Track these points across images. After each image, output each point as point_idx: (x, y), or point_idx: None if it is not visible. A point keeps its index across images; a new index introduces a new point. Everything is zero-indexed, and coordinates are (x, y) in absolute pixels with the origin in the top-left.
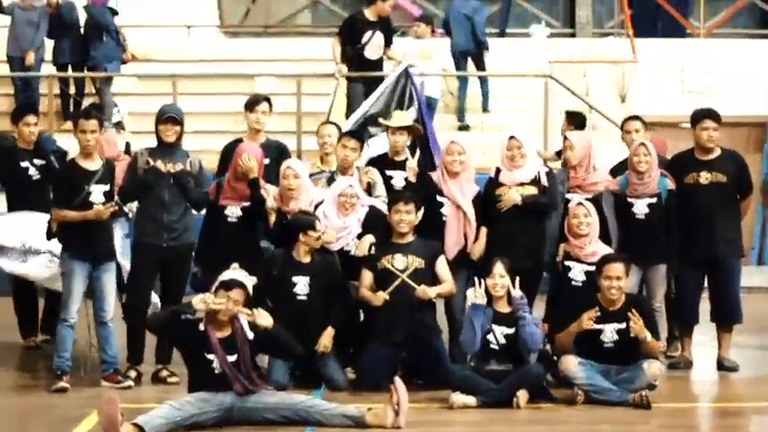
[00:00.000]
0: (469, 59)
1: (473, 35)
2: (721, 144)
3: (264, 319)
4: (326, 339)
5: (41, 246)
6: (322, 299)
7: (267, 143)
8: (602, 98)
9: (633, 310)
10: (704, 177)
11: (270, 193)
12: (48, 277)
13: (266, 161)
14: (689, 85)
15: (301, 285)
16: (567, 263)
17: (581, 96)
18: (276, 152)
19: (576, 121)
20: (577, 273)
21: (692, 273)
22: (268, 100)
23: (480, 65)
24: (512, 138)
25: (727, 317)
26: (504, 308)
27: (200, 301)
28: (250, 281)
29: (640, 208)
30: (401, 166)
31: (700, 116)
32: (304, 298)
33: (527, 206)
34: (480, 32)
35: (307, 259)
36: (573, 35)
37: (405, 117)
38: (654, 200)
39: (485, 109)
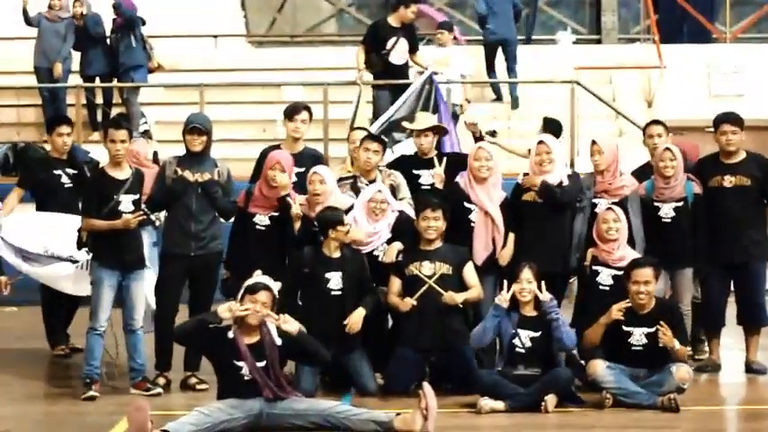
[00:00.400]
0: (500, 51)
1: (516, 18)
2: (748, 148)
3: (290, 324)
4: (356, 317)
5: (63, 252)
6: (355, 293)
7: (304, 152)
8: (628, 104)
9: (662, 322)
10: (728, 181)
11: (296, 200)
12: (67, 281)
13: (301, 170)
14: (715, 90)
15: (335, 281)
16: (594, 267)
17: (607, 102)
18: (311, 161)
19: (551, 127)
20: (605, 277)
21: (717, 276)
22: (308, 108)
23: (513, 55)
24: (540, 143)
25: (752, 320)
26: (530, 312)
27: (226, 310)
28: (275, 285)
29: (667, 212)
30: (429, 164)
31: (718, 121)
32: (338, 293)
33: (541, 195)
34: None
35: (337, 254)
36: (599, 41)
37: (428, 118)
38: (680, 204)
39: (515, 105)
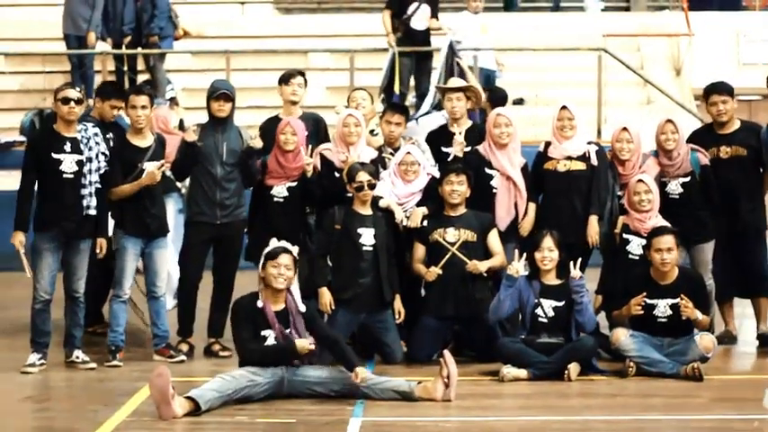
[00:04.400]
0: None
1: None
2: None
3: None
4: (399, 305)
5: None
6: (386, 251)
7: (305, 116)
8: (656, 72)
9: (683, 295)
10: (724, 151)
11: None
12: None
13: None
14: (744, 58)
15: (367, 236)
16: (625, 236)
17: (635, 70)
18: (312, 123)
19: (496, 98)
20: (635, 246)
21: (718, 246)
22: (303, 74)
23: None
24: (563, 108)
25: (754, 289)
26: (552, 281)
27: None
28: (294, 248)
29: (673, 188)
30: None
31: (707, 91)
32: (370, 249)
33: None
34: None
35: (368, 212)
36: (627, 9)
37: (457, 81)
38: (687, 179)
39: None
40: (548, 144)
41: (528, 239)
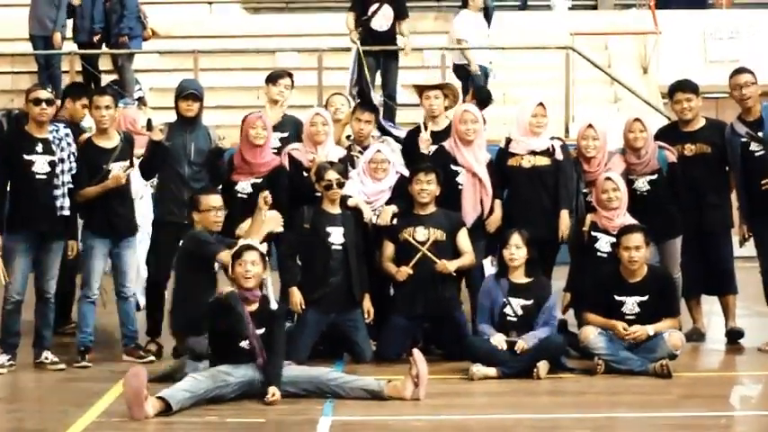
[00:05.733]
0: None
1: None
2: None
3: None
4: (368, 304)
5: None
6: (355, 249)
7: (285, 119)
8: (623, 70)
9: (632, 334)
10: (688, 149)
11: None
12: None
13: (284, 134)
14: (711, 56)
15: (336, 235)
16: (594, 233)
17: (602, 68)
18: (293, 126)
19: (481, 96)
20: (603, 244)
21: (685, 244)
22: (290, 75)
23: None
24: (540, 104)
25: (722, 286)
26: (520, 279)
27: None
28: (260, 246)
29: (641, 185)
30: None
31: (672, 89)
32: (339, 248)
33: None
34: None
35: (337, 211)
36: (595, 7)
37: (435, 79)
38: (655, 176)
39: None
40: (509, 141)
41: (495, 237)
